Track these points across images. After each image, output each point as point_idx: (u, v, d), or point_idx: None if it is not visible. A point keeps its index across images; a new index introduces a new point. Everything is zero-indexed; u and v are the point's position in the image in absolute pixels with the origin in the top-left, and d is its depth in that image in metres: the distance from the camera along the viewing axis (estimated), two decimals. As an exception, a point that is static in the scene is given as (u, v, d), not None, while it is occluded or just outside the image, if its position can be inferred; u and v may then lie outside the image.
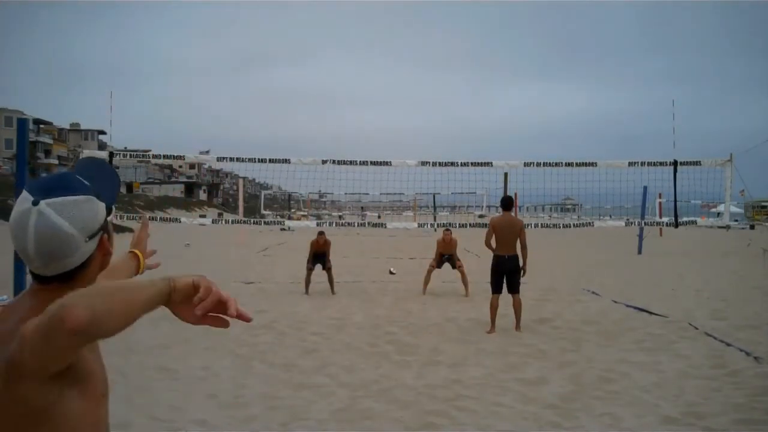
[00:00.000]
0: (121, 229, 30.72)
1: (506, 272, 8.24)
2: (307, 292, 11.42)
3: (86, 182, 1.27)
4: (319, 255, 11.59)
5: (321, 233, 11.52)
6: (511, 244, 8.24)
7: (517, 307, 8.33)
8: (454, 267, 11.66)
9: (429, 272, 11.77)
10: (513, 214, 8.75)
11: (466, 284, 11.43)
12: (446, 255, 11.71)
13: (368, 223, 13.84)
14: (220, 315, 1.22)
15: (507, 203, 8.57)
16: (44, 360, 1.11)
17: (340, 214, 43.62)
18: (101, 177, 1.34)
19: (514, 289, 8.31)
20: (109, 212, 1.31)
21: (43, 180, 1.27)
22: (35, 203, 1.21)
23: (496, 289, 8.33)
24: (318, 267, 11.58)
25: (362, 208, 46.78)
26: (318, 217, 38.84)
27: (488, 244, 8.44)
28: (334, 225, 13.21)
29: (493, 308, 8.29)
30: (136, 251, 1.87)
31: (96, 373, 1.26)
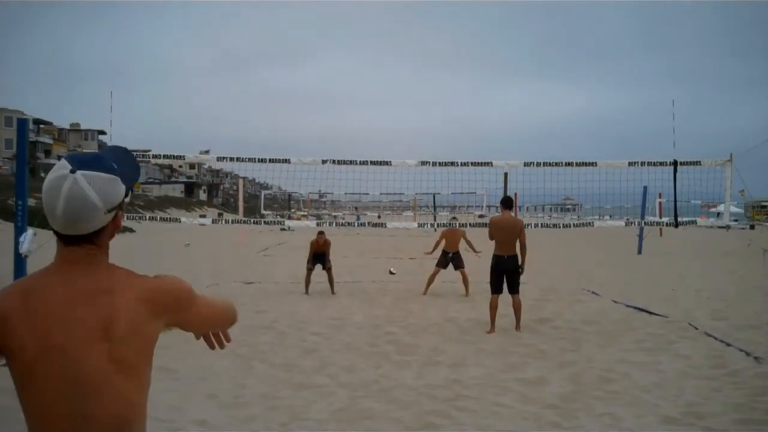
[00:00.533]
0: (121, 229, 30.73)
1: (506, 272, 8.25)
2: (307, 292, 11.42)
3: (115, 165, 1.47)
4: (319, 255, 11.58)
5: (321, 233, 11.51)
6: (510, 243, 8.23)
7: (517, 308, 8.33)
8: (456, 268, 11.53)
9: (434, 274, 11.70)
10: (513, 214, 8.74)
11: (466, 285, 11.41)
12: (450, 253, 11.61)
13: (367, 223, 13.81)
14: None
15: (507, 202, 8.57)
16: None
17: (336, 214, 43.49)
18: (125, 164, 1.53)
19: (514, 289, 8.30)
20: (127, 194, 1.51)
21: (81, 155, 1.48)
22: (72, 171, 1.40)
23: (496, 290, 8.32)
24: (318, 267, 11.58)
25: (356, 208, 45.88)
26: (318, 217, 38.80)
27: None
28: (333, 225, 13.22)
29: (493, 308, 8.29)
30: None
31: None
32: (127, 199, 1.53)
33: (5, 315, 1.38)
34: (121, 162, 1.50)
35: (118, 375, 1.42)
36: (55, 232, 1.45)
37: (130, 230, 31.62)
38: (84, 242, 1.45)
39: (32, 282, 1.44)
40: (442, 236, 11.70)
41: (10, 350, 1.38)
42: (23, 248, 8.26)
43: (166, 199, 66.59)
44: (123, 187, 1.47)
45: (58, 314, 1.40)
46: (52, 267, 1.46)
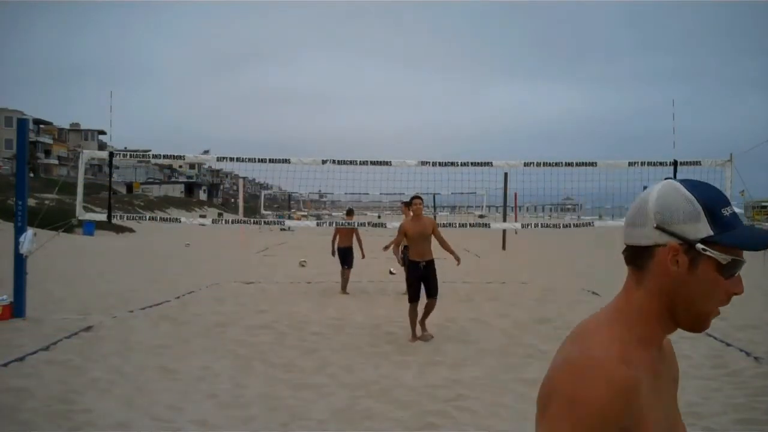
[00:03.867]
0: (121, 229, 30.72)
1: (423, 279, 7.92)
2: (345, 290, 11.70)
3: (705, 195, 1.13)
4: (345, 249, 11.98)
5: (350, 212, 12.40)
6: (426, 249, 7.90)
7: (430, 309, 7.99)
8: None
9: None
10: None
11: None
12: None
13: (368, 223, 13.81)
14: None
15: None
16: None
17: (337, 214, 43.72)
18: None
19: (433, 293, 8.00)
20: (697, 241, 1.12)
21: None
22: (666, 178, 1.19)
23: (416, 297, 7.96)
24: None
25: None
26: (318, 217, 38.82)
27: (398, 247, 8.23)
28: (334, 225, 13.24)
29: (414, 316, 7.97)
30: None
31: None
32: (700, 245, 1.12)
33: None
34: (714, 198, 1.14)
35: None
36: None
37: (130, 230, 31.62)
38: (634, 265, 1.20)
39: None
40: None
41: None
42: (23, 248, 8.26)
43: (166, 199, 66.50)
44: (695, 224, 1.10)
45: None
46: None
